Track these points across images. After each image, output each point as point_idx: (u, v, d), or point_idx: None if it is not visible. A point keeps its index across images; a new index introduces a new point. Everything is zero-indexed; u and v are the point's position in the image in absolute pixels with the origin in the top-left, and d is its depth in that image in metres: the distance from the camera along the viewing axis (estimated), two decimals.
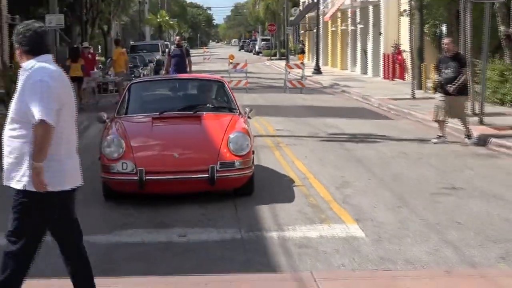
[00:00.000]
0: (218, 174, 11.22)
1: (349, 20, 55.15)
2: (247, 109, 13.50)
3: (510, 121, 20.50)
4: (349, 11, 54.53)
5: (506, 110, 24.21)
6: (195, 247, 9.72)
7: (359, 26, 51.62)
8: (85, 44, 37.97)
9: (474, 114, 22.28)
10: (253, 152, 12.15)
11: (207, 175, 11.20)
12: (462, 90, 18.25)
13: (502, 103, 26.24)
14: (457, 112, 18.02)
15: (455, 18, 30.50)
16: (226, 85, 14.78)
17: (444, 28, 35.46)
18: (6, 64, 22.86)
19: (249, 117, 13.37)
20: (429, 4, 34.41)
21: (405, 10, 37.79)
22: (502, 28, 27.20)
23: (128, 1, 60.23)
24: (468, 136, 18.03)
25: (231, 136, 11.79)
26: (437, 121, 18.26)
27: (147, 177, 11.06)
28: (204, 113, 13.29)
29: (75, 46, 34.04)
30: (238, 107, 13.86)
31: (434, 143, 18.01)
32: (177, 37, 31.81)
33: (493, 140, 18.22)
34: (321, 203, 12.01)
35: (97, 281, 8.10)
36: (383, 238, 9.93)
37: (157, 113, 13.17)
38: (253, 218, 10.91)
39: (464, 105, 18.52)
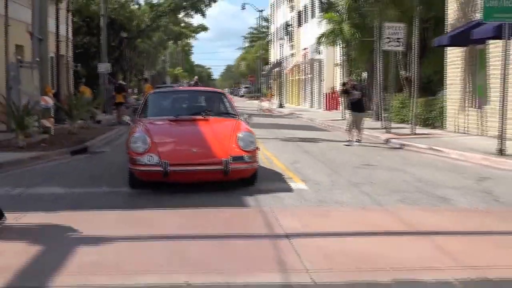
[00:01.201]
0: (230, 166, 9.35)
1: (302, 72, 55.17)
2: (246, 115, 11.94)
3: (406, 131, 20.52)
4: (302, 66, 54.53)
5: (405, 126, 24.05)
6: (194, 194, 9.46)
7: (308, 76, 51.62)
8: (120, 82, 37.94)
9: (384, 128, 22.27)
10: (258, 149, 10.16)
11: (221, 167, 9.32)
12: (363, 109, 18.34)
13: (403, 121, 26.14)
14: (358, 124, 17.90)
15: (371, 67, 30.46)
16: (227, 96, 12.93)
17: (365, 74, 35.36)
18: (71, 92, 22.73)
19: (247, 122, 11.55)
20: (354, 58, 34.39)
21: (338, 63, 37.85)
22: (402, 72, 27.22)
23: (155, 59, 59.88)
24: (359, 141, 17.80)
25: (240, 134, 9.91)
26: (348, 130, 18.11)
27: (170, 168, 9.20)
28: (212, 117, 11.11)
29: (121, 83, 33.82)
30: (237, 113, 11.89)
31: (346, 145, 17.50)
32: (195, 77, 31.81)
33: (394, 140, 18.50)
34: (280, 171, 11.85)
35: (124, 212, 7.96)
36: (320, 190, 9.80)
37: (172, 117, 11.10)
38: (235, 181, 10.53)
39: (363, 119, 18.32)
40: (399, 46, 21.18)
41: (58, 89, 27.73)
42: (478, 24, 18.50)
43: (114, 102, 30.02)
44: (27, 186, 10.18)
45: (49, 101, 18.32)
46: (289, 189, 9.85)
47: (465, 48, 20.52)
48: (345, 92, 18.14)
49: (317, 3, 42.38)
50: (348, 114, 18.29)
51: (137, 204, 8.69)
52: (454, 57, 21.63)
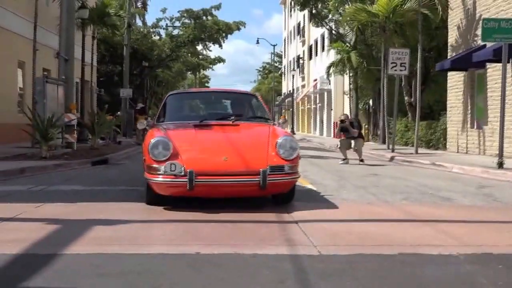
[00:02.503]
0: (269, 178, 7.17)
1: (312, 102, 55.20)
2: (280, 121, 10.03)
3: (410, 152, 20.38)
4: (312, 96, 54.55)
5: (409, 147, 24.03)
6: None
7: (318, 105, 51.63)
8: (140, 105, 38.09)
9: (389, 149, 22.08)
10: (299, 157, 7.95)
11: (257, 179, 7.13)
12: (361, 136, 17.19)
13: (406, 144, 26.10)
14: (359, 147, 16.62)
15: (377, 94, 30.42)
16: (259, 98, 10.24)
17: (371, 102, 35.29)
18: (94, 111, 22.89)
19: (282, 128, 9.36)
20: (361, 86, 34.41)
21: (346, 92, 37.77)
22: (406, 98, 27.17)
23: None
24: (362, 160, 16.49)
25: (280, 140, 7.60)
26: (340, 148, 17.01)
27: (196, 179, 7.03)
28: (242, 122, 8.78)
29: (143, 106, 33.69)
30: (271, 118, 9.58)
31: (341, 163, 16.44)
32: None
33: (399, 158, 18.37)
34: None
35: (139, 203, 7.81)
36: (328, 190, 9.57)
37: (196, 121, 8.74)
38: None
39: (362, 144, 17.02)
40: (403, 70, 21.10)
41: (81, 112, 27.86)
42: (478, 49, 18.49)
43: (135, 124, 30.05)
44: (49, 184, 10.10)
45: (72, 117, 18.32)
46: (300, 190, 9.60)
47: (465, 72, 20.52)
48: (343, 130, 16.81)
49: (326, 36, 42.58)
50: (342, 140, 16.92)
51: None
52: (455, 81, 21.60)
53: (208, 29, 44.27)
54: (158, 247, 4.99)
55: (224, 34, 45.14)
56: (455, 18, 21.72)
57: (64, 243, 5.06)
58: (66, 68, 18.74)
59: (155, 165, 7.24)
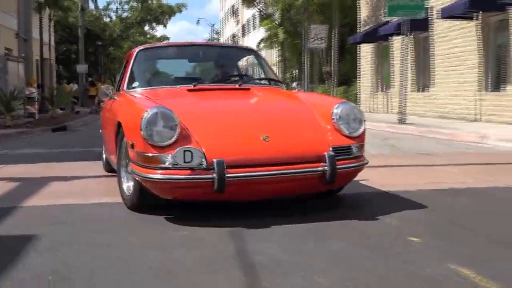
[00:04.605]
0: (337, 166, 3.76)
1: None
2: (294, 84, 6.00)
3: None
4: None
5: None
6: None
7: None
8: (90, 79, 37.11)
9: None
10: None
11: (321, 168, 3.71)
12: None
13: None
14: None
15: (301, 65, 30.63)
16: (260, 55, 6.07)
17: (296, 72, 35.52)
18: (53, 85, 22.12)
19: None
20: (287, 58, 34.53)
21: (274, 63, 37.83)
22: (324, 67, 27.46)
23: None
24: None
25: (338, 109, 4.09)
26: None
27: (228, 175, 3.51)
28: (252, 85, 5.15)
29: (90, 80, 32.86)
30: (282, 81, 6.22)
31: None
32: None
33: None
34: None
35: (96, 162, 7.62)
36: None
37: (189, 85, 4.84)
38: None
39: None
40: (322, 43, 21.31)
41: (42, 86, 26.94)
42: (385, 23, 18.80)
43: (88, 95, 29.58)
44: (12, 149, 9.77)
45: (33, 90, 17.71)
46: None
47: (374, 44, 20.87)
48: None
49: (257, 16, 42.34)
50: None
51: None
52: (365, 52, 21.97)
53: (153, 11, 43.32)
54: (106, 198, 4.89)
55: (167, 16, 44.28)
56: None
57: (24, 198, 4.91)
58: (25, 47, 18.03)
59: (154, 154, 3.71)
